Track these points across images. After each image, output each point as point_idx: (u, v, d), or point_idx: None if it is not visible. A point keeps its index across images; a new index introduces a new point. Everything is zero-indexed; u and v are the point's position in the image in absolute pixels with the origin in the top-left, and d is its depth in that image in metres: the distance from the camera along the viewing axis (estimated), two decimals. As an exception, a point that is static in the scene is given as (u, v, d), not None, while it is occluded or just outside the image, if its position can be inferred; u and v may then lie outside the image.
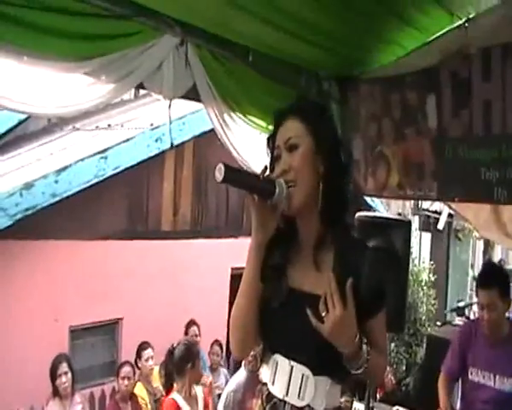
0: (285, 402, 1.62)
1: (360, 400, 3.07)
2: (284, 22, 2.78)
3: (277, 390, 1.64)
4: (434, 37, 3.16)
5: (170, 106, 2.71)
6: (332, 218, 1.64)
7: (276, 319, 1.64)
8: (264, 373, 1.70)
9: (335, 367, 1.58)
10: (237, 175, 1.52)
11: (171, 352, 3.87)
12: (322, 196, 1.61)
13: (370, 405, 3.11)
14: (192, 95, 2.77)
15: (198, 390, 3.88)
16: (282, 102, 3.29)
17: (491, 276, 3.24)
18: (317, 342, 1.53)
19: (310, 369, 1.59)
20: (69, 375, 4.53)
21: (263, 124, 3.17)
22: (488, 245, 13.89)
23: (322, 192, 1.61)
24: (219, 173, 1.45)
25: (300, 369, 1.60)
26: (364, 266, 1.60)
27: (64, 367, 4.53)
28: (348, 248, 1.63)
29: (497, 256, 14.88)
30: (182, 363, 3.75)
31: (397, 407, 3.26)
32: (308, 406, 1.60)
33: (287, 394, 1.62)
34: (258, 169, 3.21)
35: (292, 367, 1.62)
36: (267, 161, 1.71)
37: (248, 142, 3.14)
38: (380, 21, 3.05)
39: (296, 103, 1.77)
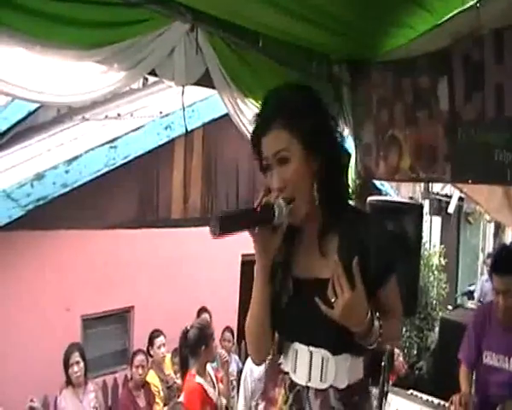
0: (308, 388, 1.64)
1: (374, 384, 3.07)
2: (294, 6, 2.75)
3: (299, 378, 1.66)
4: (445, 19, 3.13)
5: (183, 93, 2.71)
6: (332, 208, 1.62)
7: (288, 311, 1.65)
8: (285, 363, 1.72)
9: (353, 343, 1.60)
10: (234, 220, 1.48)
11: (184, 335, 3.92)
12: (318, 193, 1.60)
13: (385, 389, 3.11)
14: (204, 81, 2.76)
15: (209, 368, 3.98)
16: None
17: (507, 261, 3.21)
18: (332, 325, 1.53)
19: (329, 351, 1.62)
20: (81, 364, 4.58)
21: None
22: (499, 229, 13.82)
23: (318, 190, 1.60)
24: (215, 228, 1.40)
25: (320, 353, 1.63)
26: (369, 236, 1.60)
27: (76, 357, 4.57)
28: (352, 225, 1.63)
29: (507, 240, 14.80)
30: (196, 345, 3.82)
31: (411, 390, 3.26)
32: (331, 386, 1.63)
33: (309, 379, 1.64)
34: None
35: (311, 353, 1.64)
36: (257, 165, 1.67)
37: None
38: (391, 4, 3.01)
39: (278, 108, 1.60)
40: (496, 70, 3.02)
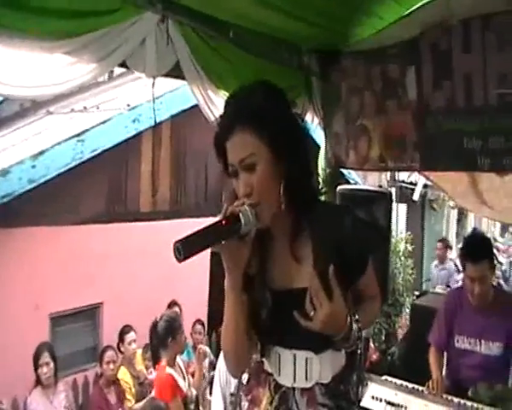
0: (294, 388, 1.63)
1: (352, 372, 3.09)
2: (265, -4, 2.75)
3: (284, 380, 1.65)
4: (414, 8, 3.16)
5: (153, 84, 2.66)
6: (301, 208, 1.57)
7: (269, 321, 1.61)
8: (268, 364, 1.70)
9: (333, 342, 1.59)
10: (198, 240, 1.40)
11: (154, 327, 3.91)
12: (285, 196, 1.53)
13: (362, 376, 3.13)
14: (175, 72, 2.72)
15: (178, 360, 4.00)
16: (264, 76, 3.30)
17: (480, 249, 3.24)
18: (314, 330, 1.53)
19: (312, 351, 1.61)
20: (51, 365, 4.49)
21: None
22: (462, 214, 14.13)
23: (285, 192, 1.53)
24: (178, 253, 1.35)
25: (303, 354, 1.61)
26: (344, 231, 1.57)
27: (46, 357, 4.48)
28: (324, 223, 1.58)
29: (470, 225, 15.17)
30: (164, 337, 3.82)
31: (385, 376, 3.29)
32: (316, 383, 1.62)
33: (294, 381, 1.63)
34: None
35: (294, 355, 1.62)
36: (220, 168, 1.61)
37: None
38: (361, -7, 3.03)
39: (241, 110, 1.50)
40: (464, 59, 3.07)
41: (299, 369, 1.62)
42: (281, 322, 1.58)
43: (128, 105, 5.13)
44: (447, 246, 9.53)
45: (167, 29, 2.58)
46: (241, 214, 1.44)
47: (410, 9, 3.17)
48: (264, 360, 1.71)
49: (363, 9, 3.22)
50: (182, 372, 3.96)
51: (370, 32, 3.38)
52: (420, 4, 3.13)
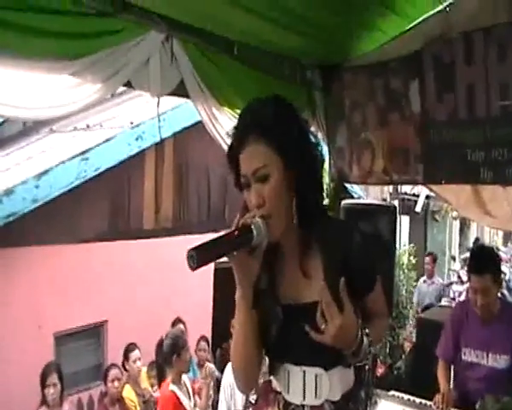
0: (303, 406, 1.62)
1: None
2: (268, 12, 2.75)
3: (294, 397, 1.63)
4: (416, 22, 3.17)
5: (158, 103, 2.67)
6: (311, 222, 1.58)
7: (278, 337, 1.60)
8: (277, 383, 1.69)
9: (344, 355, 1.58)
10: (211, 249, 1.41)
11: (160, 345, 3.90)
12: (297, 209, 1.54)
13: (370, 392, 3.11)
14: (180, 91, 2.73)
15: (184, 378, 3.98)
16: (267, 92, 3.31)
17: (484, 261, 3.24)
18: (325, 345, 1.51)
19: (322, 367, 1.60)
20: (58, 386, 4.45)
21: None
22: (464, 225, 14.12)
23: (297, 205, 1.54)
24: (192, 261, 1.36)
25: (313, 371, 1.60)
26: (352, 248, 1.59)
27: (54, 378, 4.44)
28: (332, 238, 1.59)
29: (473, 235, 15.15)
30: (169, 355, 3.82)
31: (392, 391, 3.27)
32: (326, 401, 1.61)
33: (304, 398, 1.62)
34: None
35: (304, 372, 1.61)
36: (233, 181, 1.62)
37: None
38: (362, 8, 3.03)
39: (254, 122, 1.52)
40: (466, 71, 3.08)
41: (309, 386, 1.60)
42: (290, 337, 1.58)
43: (131, 123, 5.14)
44: (435, 260, 9.12)
45: (171, 48, 2.59)
46: (253, 226, 1.45)
47: (412, 23, 3.18)
48: (272, 378, 1.70)
49: (365, 23, 3.23)
50: (188, 391, 3.94)
51: (372, 45, 3.39)
52: (422, 18, 3.14)
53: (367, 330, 1.58)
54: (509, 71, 2.92)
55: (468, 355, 3.26)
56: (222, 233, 1.45)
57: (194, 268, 1.36)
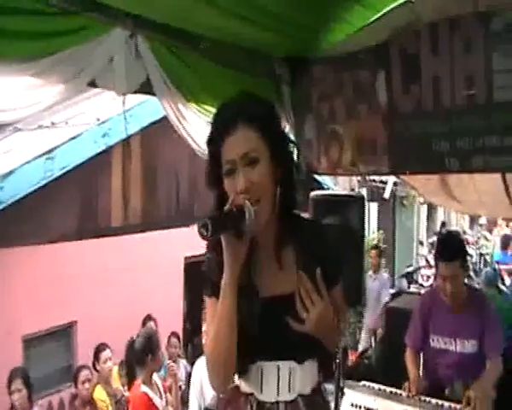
0: (278, 403, 1.61)
1: (327, 381, 3.08)
2: (234, 7, 2.73)
3: (267, 395, 1.62)
4: (382, 13, 3.18)
5: (124, 102, 2.61)
6: (289, 217, 1.63)
7: (253, 332, 1.57)
8: (246, 384, 1.66)
9: (315, 348, 1.63)
10: (222, 222, 1.43)
11: (131, 345, 3.85)
12: (280, 200, 1.59)
13: (340, 385, 3.13)
14: (145, 88, 2.68)
15: (155, 377, 3.92)
16: (235, 86, 3.30)
17: (453, 248, 3.28)
18: (300, 335, 1.56)
19: (295, 361, 1.62)
20: (23, 391, 4.36)
21: (216, 112, 3.12)
22: (432, 209, 14.35)
23: (281, 196, 1.58)
24: (205, 230, 1.36)
25: (287, 365, 1.61)
26: (323, 244, 1.64)
27: (18, 384, 4.36)
28: (304, 234, 1.64)
29: (440, 219, 15.42)
30: (142, 355, 3.76)
31: (363, 382, 3.29)
32: (299, 395, 1.63)
33: (278, 394, 1.61)
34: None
35: (278, 367, 1.61)
36: (208, 169, 1.61)
37: (205, 130, 3.07)
38: (328, 1, 3.04)
39: (243, 107, 1.56)
40: (432, 62, 3.12)
41: (283, 381, 1.61)
42: (266, 331, 1.57)
43: (97, 119, 5.05)
44: (381, 254, 8.41)
45: (136, 45, 2.53)
46: (245, 208, 1.46)
47: (378, 14, 3.19)
48: (240, 381, 1.67)
49: (332, 16, 3.23)
50: (159, 390, 3.90)
51: (340, 37, 3.40)
52: (387, 9, 3.15)
53: (339, 317, 1.64)
54: (474, 61, 2.97)
55: (437, 342, 3.30)
56: (226, 210, 1.47)
57: (206, 237, 1.37)
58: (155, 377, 3.92)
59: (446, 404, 2.87)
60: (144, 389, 3.69)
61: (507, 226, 12.07)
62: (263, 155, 1.52)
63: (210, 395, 3.81)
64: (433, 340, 3.32)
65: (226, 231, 1.45)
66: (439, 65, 3.09)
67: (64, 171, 4.70)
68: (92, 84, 2.49)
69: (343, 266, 1.74)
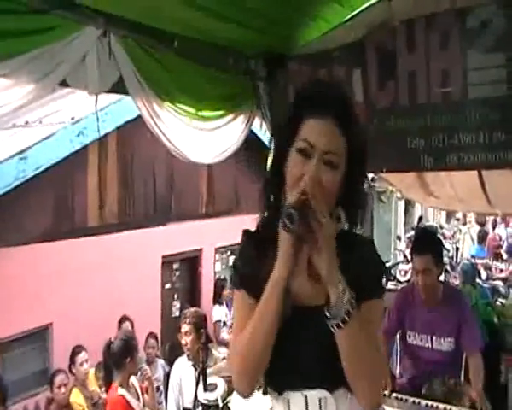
0: None
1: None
2: (209, 4, 2.69)
3: None
4: (359, 10, 3.18)
5: (96, 101, 2.57)
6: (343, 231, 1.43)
7: (281, 346, 1.40)
8: None
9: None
10: (303, 213, 1.28)
11: (108, 347, 3.81)
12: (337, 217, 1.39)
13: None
14: (119, 88, 2.63)
15: (133, 379, 3.89)
16: (211, 84, 3.28)
17: (426, 242, 3.32)
18: (328, 357, 1.37)
19: (326, 389, 1.42)
20: None
21: (192, 110, 3.09)
22: (409, 204, 14.46)
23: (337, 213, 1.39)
24: (290, 221, 1.25)
25: (316, 394, 1.42)
26: (367, 257, 1.47)
27: None
28: (352, 250, 1.44)
29: (417, 213, 15.55)
30: (121, 357, 3.72)
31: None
32: None
33: None
34: (193, 156, 3.07)
35: (306, 397, 1.43)
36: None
37: (181, 129, 3.05)
38: (304, -3, 3.02)
39: (332, 96, 1.40)
40: (408, 59, 3.13)
41: None
42: (291, 349, 1.42)
43: (72, 118, 4.98)
44: None
45: (109, 43, 2.49)
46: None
47: (355, 12, 3.19)
48: None
49: (308, 13, 3.21)
50: (136, 392, 3.87)
51: (316, 35, 3.38)
52: (364, 6, 3.15)
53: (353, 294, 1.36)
54: (450, 58, 2.98)
55: (413, 339, 3.32)
56: (295, 198, 1.30)
57: (289, 230, 1.27)
58: (133, 379, 3.88)
59: (423, 402, 2.88)
60: (121, 391, 3.65)
61: (477, 223, 12.21)
62: (342, 162, 1.37)
63: (189, 394, 3.79)
64: (409, 336, 3.34)
65: (303, 225, 1.29)
66: (414, 62, 3.11)
67: (38, 171, 4.63)
68: (64, 84, 2.43)
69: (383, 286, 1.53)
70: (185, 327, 3.86)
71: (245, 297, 1.50)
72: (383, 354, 1.54)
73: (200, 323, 3.93)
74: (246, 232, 1.56)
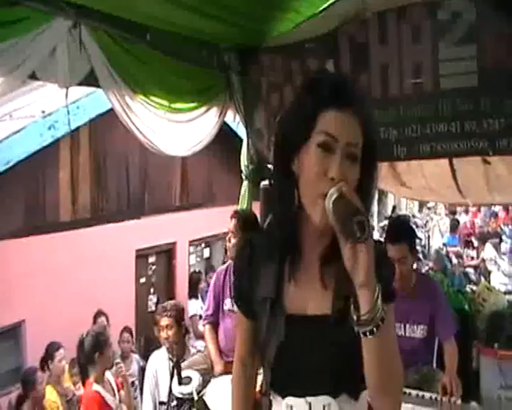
0: None
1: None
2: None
3: None
4: (331, 2, 3.19)
5: (67, 95, 2.53)
6: None
7: (279, 359, 1.37)
8: None
9: (353, 383, 1.36)
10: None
11: (81, 343, 3.77)
12: None
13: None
14: (90, 80, 2.60)
15: (108, 375, 3.84)
16: (184, 77, 3.26)
17: (401, 231, 3.33)
18: (332, 362, 1.33)
19: (330, 395, 1.36)
20: None
21: (165, 103, 3.07)
22: (382, 194, 14.58)
23: None
24: (362, 231, 1.15)
25: (319, 401, 1.36)
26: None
27: None
28: None
29: (390, 203, 15.72)
30: (91, 353, 3.68)
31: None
32: None
33: None
34: (166, 149, 3.02)
35: (310, 404, 1.36)
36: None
37: (153, 122, 3.02)
38: (276, -10, 3.02)
39: (356, 100, 1.30)
40: (380, 51, 3.15)
41: None
42: (294, 358, 1.37)
43: (43, 112, 4.90)
44: None
45: (80, 35, 2.45)
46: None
47: (327, 3, 3.20)
48: None
49: (281, 5, 3.21)
50: (112, 388, 3.84)
51: (289, 27, 3.39)
52: (336, -1, 3.17)
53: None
54: (421, 50, 3.02)
55: None
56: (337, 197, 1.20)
57: (362, 239, 1.15)
58: (108, 374, 3.85)
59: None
60: (96, 387, 3.61)
61: (448, 213, 12.42)
62: (359, 154, 1.28)
63: (164, 388, 3.77)
64: None
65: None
66: (387, 54, 3.13)
67: (8, 166, 4.55)
68: (33, 77, 2.39)
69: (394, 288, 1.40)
70: (166, 320, 3.82)
71: (242, 319, 1.51)
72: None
73: (180, 316, 3.90)
74: (242, 242, 1.54)
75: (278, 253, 1.38)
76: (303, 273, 1.38)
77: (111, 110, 3.15)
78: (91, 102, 4.94)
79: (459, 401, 2.79)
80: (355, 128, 1.26)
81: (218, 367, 3.51)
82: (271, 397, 1.45)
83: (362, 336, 1.22)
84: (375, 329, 1.21)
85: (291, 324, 1.36)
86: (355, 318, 1.22)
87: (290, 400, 1.38)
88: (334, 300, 1.33)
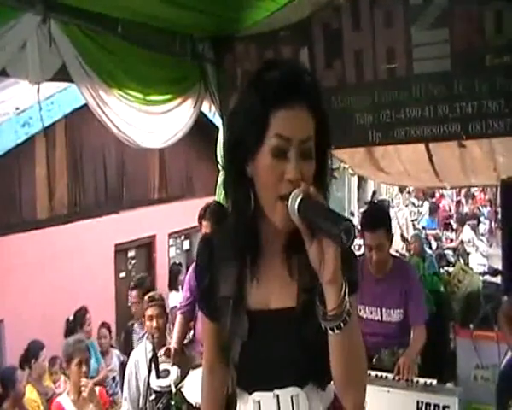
0: None
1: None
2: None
3: None
4: (305, -11, 3.19)
5: (38, 90, 2.49)
6: None
7: (244, 356, 1.36)
8: None
9: (319, 373, 1.36)
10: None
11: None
12: None
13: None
14: (62, 76, 2.56)
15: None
16: (157, 68, 3.23)
17: (377, 218, 3.33)
18: (298, 352, 1.33)
19: (297, 386, 1.36)
20: None
21: (139, 95, 3.04)
22: (362, 180, 14.65)
23: None
24: (348, 237, 1.13)
25: (287, 392, 1.36)
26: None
27: None
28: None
29: (370, 189, 15.80)
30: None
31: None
32: None
33: None
34: (142, 141, 2.99)
35: (278, 396, 1.36)
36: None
37: (128, 115, 3.00)
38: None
39: (301, 86, 1.25)
40: (354, 37, 3.17)
41: None
42: (259, 353, 1.36)
43: (17, 109, 4.84)
44: None
45: (49, 30, 2.41)
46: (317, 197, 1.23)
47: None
48: None
49: (253, -7, 3.19)
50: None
51: (263, 15, 3.38)
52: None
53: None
54: (395, 35, 3.05)
55: (363, 312, 3.33)
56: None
57: (345, 244, 1.13)
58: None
59: (373, 373, 2.93)
60: (61, 398, 3.54)
61: (406, 206, 12.54)
62: (313, 151, 1.25)
63: (143, 383, 3.74)
64: (359, 310, 3.37)
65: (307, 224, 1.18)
66: (360, 40, 3.16)
67: (-18, 165, 4.48)
68: (4, 74, 2.35)
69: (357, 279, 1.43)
70: (156, 309, 3.80)
71: (206, 323, 1.49)
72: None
73: (165, 306, 3.91)
74: (203, 241, 1.49)
75: (239, 252, 1.36)
76: (265, 270, 1.37)
77: (86, 105, 3.12)
78: (66, 97, 4.89)
79: (416, 380, 2.85)
80: (308, 123, 1.24)
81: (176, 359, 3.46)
82: (237, 395, 1.44)
83: (329, 331, 1.23)
84: (342, 324, 1.21)
85: (254, 320, 1.35)
86: (321, 313, 1.22)
87: (257, 395, 1.38)
88: (299, 292, 1.33)
